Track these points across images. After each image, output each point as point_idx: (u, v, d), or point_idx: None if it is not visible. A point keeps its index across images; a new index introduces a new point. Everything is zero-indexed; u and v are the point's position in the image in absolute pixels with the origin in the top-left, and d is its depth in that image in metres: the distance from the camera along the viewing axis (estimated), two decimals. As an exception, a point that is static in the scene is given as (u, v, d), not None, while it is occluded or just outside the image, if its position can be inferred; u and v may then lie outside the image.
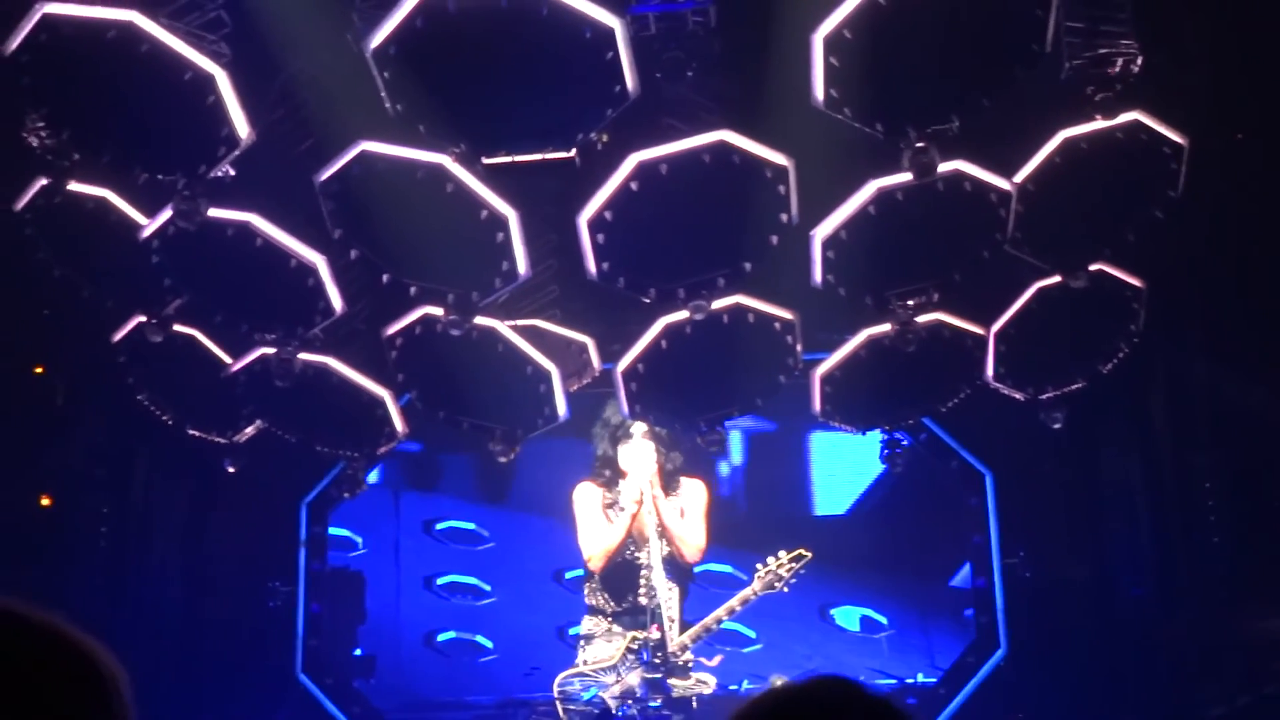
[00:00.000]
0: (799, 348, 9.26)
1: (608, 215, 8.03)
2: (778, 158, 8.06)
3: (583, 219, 8.12)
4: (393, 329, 9.46)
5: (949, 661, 13.28)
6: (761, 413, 13.96)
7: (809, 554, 10.55)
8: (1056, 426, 10.40)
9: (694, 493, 10.97)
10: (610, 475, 10.92)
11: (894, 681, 13.51)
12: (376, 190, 8.24)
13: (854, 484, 14.66)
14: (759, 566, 10.59)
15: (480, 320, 8.85)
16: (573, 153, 8.01)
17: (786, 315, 9.15)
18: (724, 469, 14.45)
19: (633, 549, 10.73)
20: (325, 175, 8.21)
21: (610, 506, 10.83)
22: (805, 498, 14.87)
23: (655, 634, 10.43)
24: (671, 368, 9.05)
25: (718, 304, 8.57)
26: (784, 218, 8.14)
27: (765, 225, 8.19)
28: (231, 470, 11.11)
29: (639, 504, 10.48)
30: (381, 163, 8.10)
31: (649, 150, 8.00)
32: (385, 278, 8.69)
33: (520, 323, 9.71)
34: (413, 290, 8.78)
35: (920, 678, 13.55)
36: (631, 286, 8.36)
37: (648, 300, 8.52)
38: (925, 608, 14.38)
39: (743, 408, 9.64)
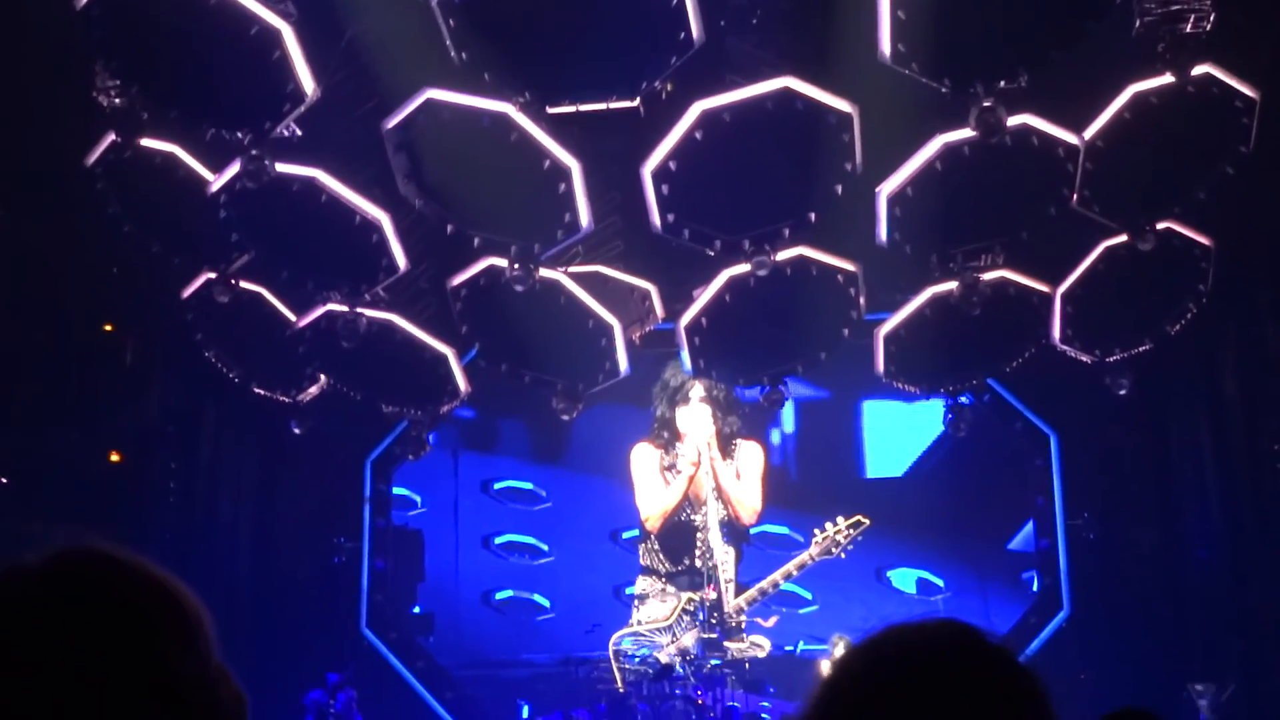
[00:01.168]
0: (861, 300, 9.22)
1: (672, 165, 8.01)
2: (842, 104, 8.01)
3: (647, 169, 8.11)
4: (457, 280, 9.49)
5: (1006, 625, 13.23)
6: (815, 380, 13.99)
7: (867, 521, 10.52)
8: (1123, 393, 10.31)
9: (750, 455, 10.95)
10: (668, 437, 10.91)
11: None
12: (441, 140, 8.27)
13: (911, 446, 14.61)
14: (816, 532, 10.57)
15: (543, 272, 8.86)
16: (637, 102, 7.98)
17: (849, 267, 9.11)
18: (775, 437, 14.44)
19: (689, 511, 10.74)
20: (392, 123, 8.24)
21: (668, 469, 10.84)
22: (859, 461, 14.85)
23: (711, 595, 10.43)
24: (734, 322, 9.03)
25: (781, 255, 8.53)
26: (848, 166, 8.10)
27: (830, 175, 8.15)
28: (298, 432, 11.19)
29: (696, 466, 10.47)
30: (447, 111, 8.11)
31: (713, 99, 7.97)
32: (449, 229, 8.72)
33: (583, 269, 9.69)
34: (476, 241, 8.81)
35: (979, 641, 13.50)
36: (696, 238, 8.35)
37: (712, 253, 8.51)
38: (983, 571, 14.33)
39: (806, 363, 9.59)
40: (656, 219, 8.20)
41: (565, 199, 8.16)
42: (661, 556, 10.89)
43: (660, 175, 8.07)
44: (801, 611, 13.53)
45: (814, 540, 10.56)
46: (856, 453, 14.86)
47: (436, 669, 13.24)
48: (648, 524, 10.83)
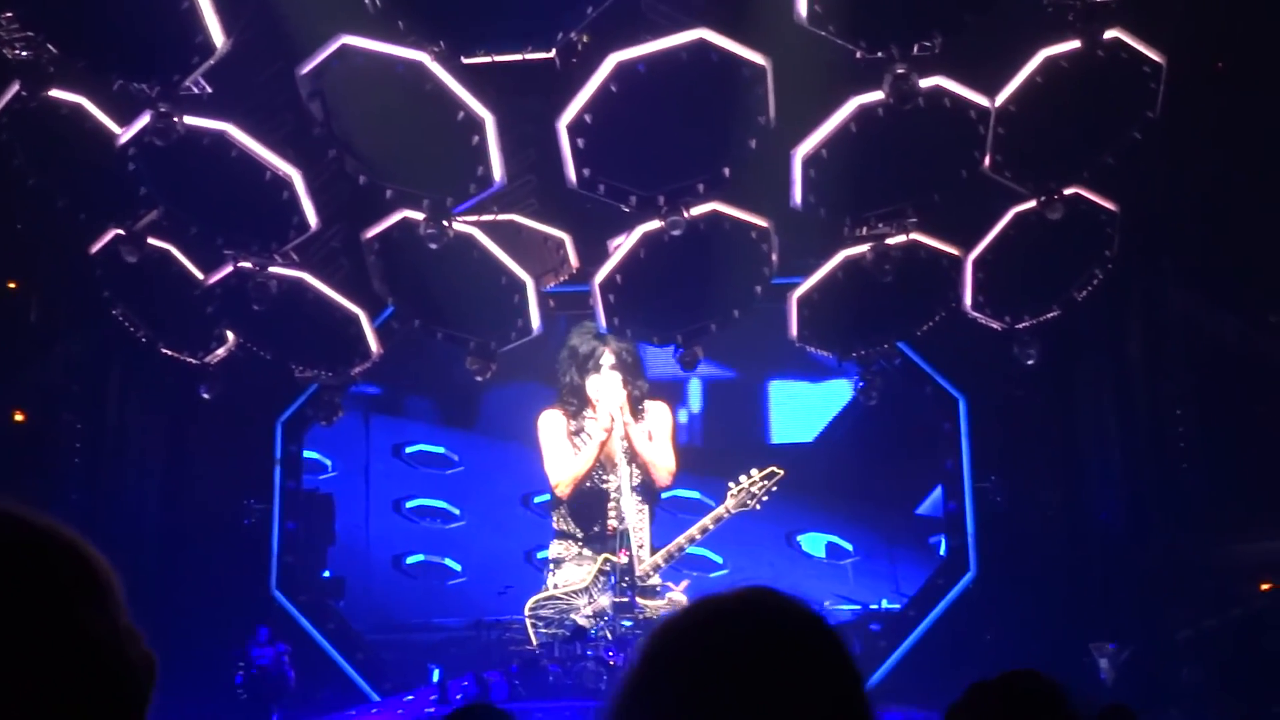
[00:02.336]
0: (774, 256, 9.26)
1: (587, 119, 8.00)
2: (756, 57, 8.05)
3: (562, 123, 8.08)
4: (371, 232, 9.41)
5: (913, 588, 13.42)
6: (723, 359, 14.11)
7: (781, 471, 10.52)
8: (1030, 363, 10.46)
9: (660, 416, 10.93)
10: (577, 404, 10.83)
11: (858, 607, 13.66)
12: (356, 89, 8.21)
13: (821, 414, 14.76)
14: (731, 485, 10.57)
15: (457, 225, 8.81)
16: (553, 53, 7.96)
17: (762, 223, 9.14)
18: (683, 416, 14.53)
19: (602, 475, 10.73)
20: (306, 69, 8.14)
21: (576, 434, 10.79)
22: (765, 430, 14.98)
23: (624, 557, 10.45)
24: (649, 280, 9.04)
25: (695, 211, 8.55)
26: (762, 120, 8.13)
27: (744, 129, 8.18)
28: (207, 397, 11.05)
29: (609, 431, 10.44)
30: (361, 58, 8.04)
31: (628, 50, 7.97)
32: (362, 180, 8.64)
33: (498, 217, 9.63)
34: (389, 193, 8.74)
35: (884, 604, 13.69)
36: (612, 194, 8.34)
37: (628, 209, 8.50)
38: (891, 535, 14.53)
39: (720, 320, 9.61)
40: (572, 174, 8.19)
41: (478, 152, 8.12)
42: (575, 521, 10.88)
43: (575, 129, 8.05)
44: (712, 575, 13.64)
45: (729, 493, 10.53)
46: (763, 423, 14.99)
47: (348, 632, 13.17)
48: (558, 490, 10.78)
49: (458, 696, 10.56)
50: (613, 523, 10.61)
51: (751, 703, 1.41)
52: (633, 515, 10.56)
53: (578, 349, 10.70)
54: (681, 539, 10.57)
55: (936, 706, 10.62)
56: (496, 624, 11.45)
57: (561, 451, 10.74)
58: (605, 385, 10.48)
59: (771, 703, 1.42)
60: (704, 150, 8.28)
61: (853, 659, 1.51)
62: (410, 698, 12.18)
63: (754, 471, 10.56)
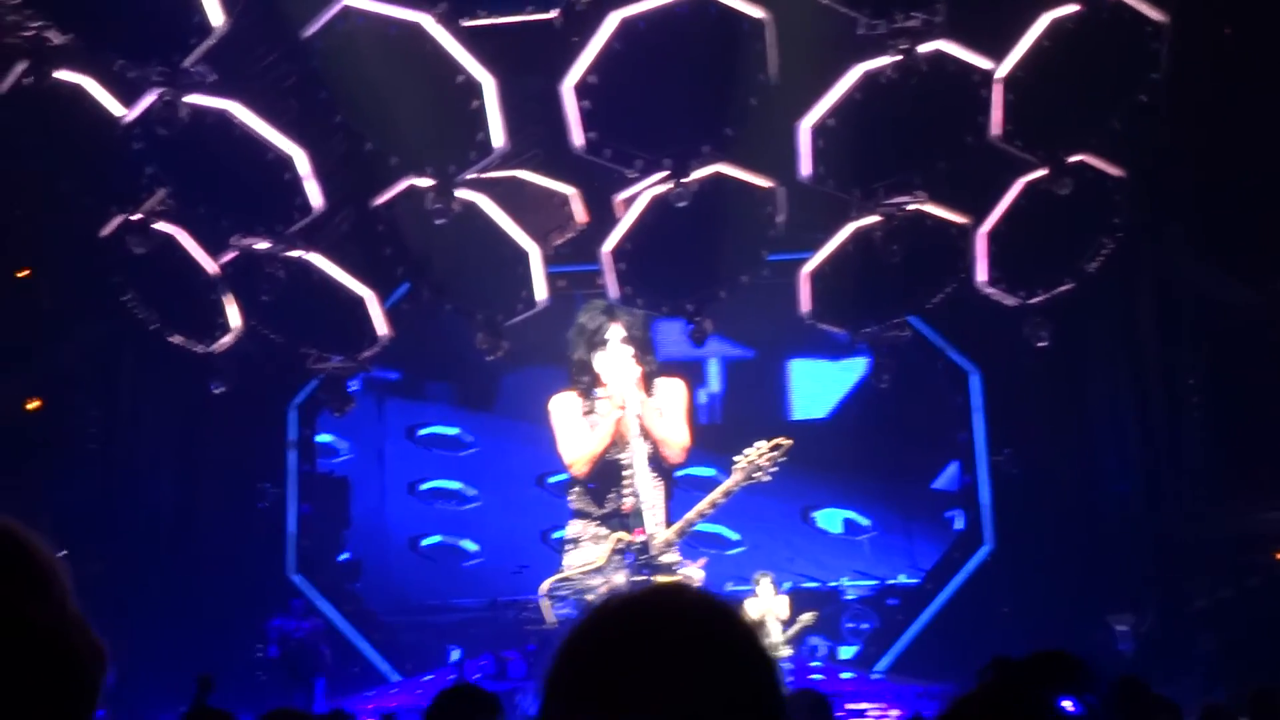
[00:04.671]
0: (780, 219, 9.23)
1: (592, 80, 8.01)
2: (755, 11, 8.04)
3: (567, 85, 8.08)
4: (379, 200, 9.42)
5: (930, 563, 13.40)
6: (740, 338, 14.10)
7: (788, 441, 10.29)
8: (1042, 345, 10.42)
9: (673, 391, 10.83)
10: (588, 382, 10.72)
11: (875, 583, 13.65)
12: (359, 54, 8.22)
13: (835, 390, 14.74)
14: (737, 457, 10.38)
15: (461, 193, 8.82)
16: (554, 13, 7.96)
17: (766, 183, 9.11)
18: (702, 397, 14.52)
19: (616, 452, 10.67)
20: (310, 30, 8.18)
21: (590, 413, 10.72)
22: (784, 406, 14.96)
23: (640, 536, 10.39)
24: (659, 245, 9.03)
25: (699, 173, 8.53)
26: (763, 77, 8.12)
27: (746, 87, 8.17)
28: (217, 392, 11.04)
29: (622, 409, 10.36)
30: (363, 19, 8.06)
31: (630, 7, 8.01)
32: (368, 146, 8.66)
33: (501, 174, 9.62)
34: (393, 160, 8.74)
35: (902, 579, 13.68)
36: (618, 158, 8.34)
37: (633, 175, 8.49)
38: (908, 510, 14.50)
39: (729, 286, 9.57)
40: (578, 137, 8.17)
41: (478, 116, 8.13)
42: (591, 500, 10.83)
43: (581, 90, 8.04)
44: (729, 553, 13.63)
45: (735, 465, 10.31)
46: (782, 400, 14.96)
47: (366, 613, 13.22)
48: (574, 469, 10.69)
49: (476, 676, 10.58)
50: (628, 500, 10.54)
51: (653, 689, 1.42)
52: (648, 493, 10.49)
53: (586, 325, 10.54)
54: (691, 514, 10.43)
55: (954, 680, 10.66)
56: (513, 604, 11.45)
57: (575, 433, 10.67)
58: (615, 361, 10.37)
59: (673, 690, 1.42)
60: (707, 110, 8.26)
61: (764, 649, 1.50)
62: (429, 678, 12.24)
63: (761, 443, 10.38)
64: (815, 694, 5.94)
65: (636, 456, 10.39)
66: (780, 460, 10.22)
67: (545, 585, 10.58)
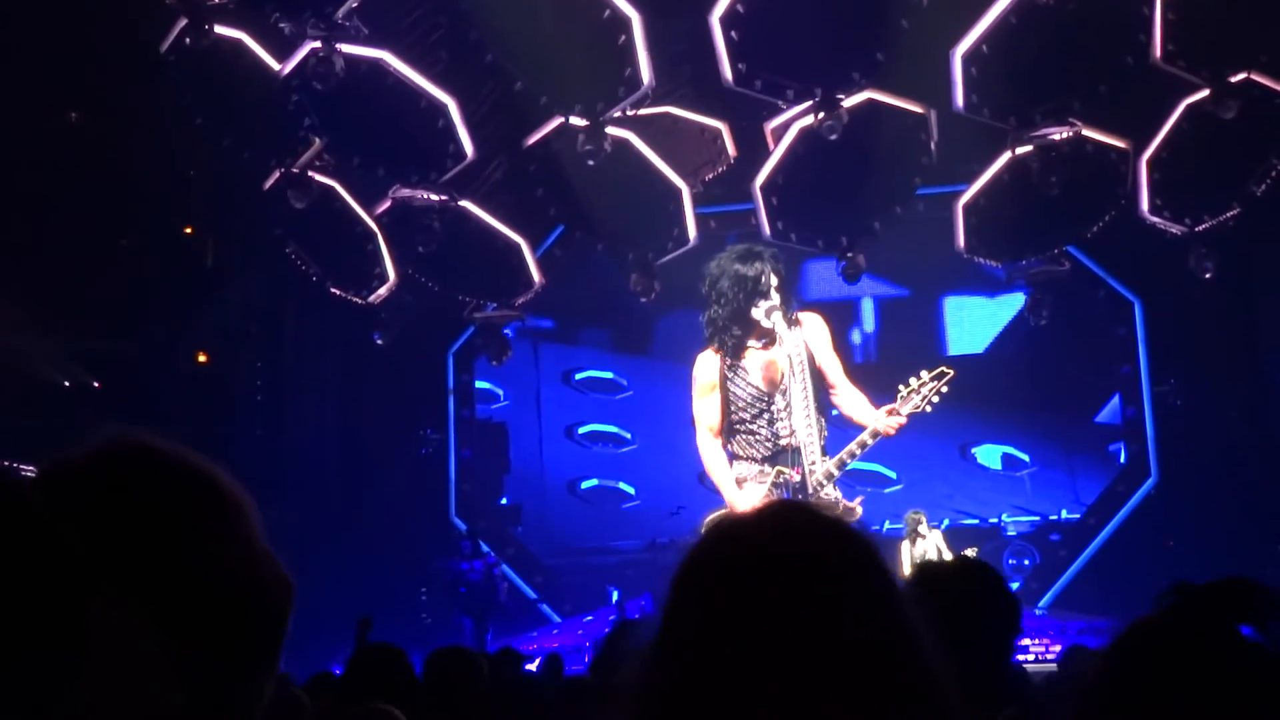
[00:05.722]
0: (933, 145, 9.07)
1: (740, 8, 7.92)
2: None
3: (715, 16, 8.02)
4: (531, 140, 9.49)
5: (1092, 498, 13.16)
6: (894, 279, 13.90)
7: (951, 371, 9.99)
8: (1208, 276, 10.12)
9: (817, 327, 10.60)
10: (739, 335, 10.19)
11: (1037, 518, 13.45)
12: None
13: (993, 325, 14.49)
14: (901, 388, 10.10)
15: (612, 130, 8.83)
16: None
17: (918, 109, 8.95)
18: (856, 336, 14.37)
19: (770, 393, 10.54)
20: None
21: (732, 370, 10.38)
22: (940, 342, 14.75)
23: (796, 475, 10.31)
24: (809, 178, 8.91)
25: (850, 100, 8.40)
26: None
27: (897, 9, 8.04)
28: (380, 343, 11.28)
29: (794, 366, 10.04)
30: None
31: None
32: (518, 85, 8.71)
33: (653, 111, 9.59)
34: (543, 100, 8.80)
35: (1064, 514, 13.46)
36: (769, 89, 8.26)
37: (784, 105, 8.41)
38: (1069, 444, 14.22)
39: (882, 217, 9.41)
40: (728, 70, 8.13)
41: (625, 51, 8.13)
42: (750, 444, 10.73)
43: (728, 21, 7.97)
44: (887, 491, 13.51)
45: (899, 395, 9.98)
46: (939, 337, 14.76)
47: (527, 556, 13.42)
48: (709, 433, 10.50)
49: (636, 616, 10.67)
50: (788, 440, 10.41)
51: (772, 606, 1.41)
52: (803, 430, 10.37)
53: (744, 274, 9.99)
54: (853, 445, 10.12)
55: (1118, 614, 10.48)
56: (671, 544, 11.47)
57: (710, 405, 10.23)
58: (776, 307, 9.93)
59: (793, 604, 1.41)
60: (858, 35, 8.13)
61: (883, 562, 1.48)
62: (590, 618, 12.40)
63: (923, 373, 10.09)
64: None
65: (795, 395, 10.22)
66: (942, 391, 9.93)
67: (705, 523, 10.53)
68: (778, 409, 10.27)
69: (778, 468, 10.23)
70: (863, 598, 1.42)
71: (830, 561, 1.42)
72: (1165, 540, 11.86)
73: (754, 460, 10.47)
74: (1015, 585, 12.90)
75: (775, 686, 1.35)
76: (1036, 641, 10.61)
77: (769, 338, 9.91)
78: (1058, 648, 10.34)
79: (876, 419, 9.52)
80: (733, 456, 10.69)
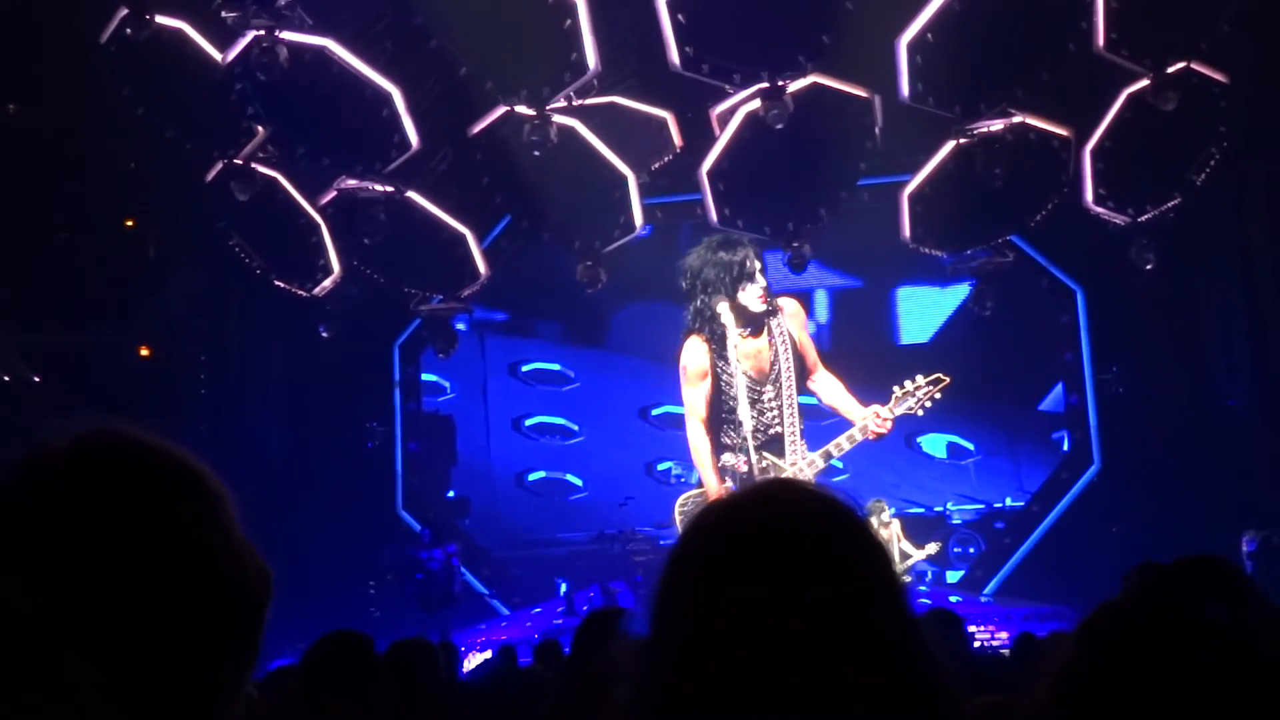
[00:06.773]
0: (877, 130, 9.09)
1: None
2: None
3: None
4: (476, 128, 9.45)
5: (1036, 485, 13.26)
6: (847, 269, 13.96)
7: (947, 379, 10.00)
8: (1149, 267, 10.22)
9: (796, 312, 10.55)
10: (725, 324, 10.05)
11: (982, 506, 13.55)
12: None
13: (939, 314, 14.58)
14: (896, 389, 10.03)
15: (558, 119, 8.80)
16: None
17: (863, 93, 8.98)
18: (811, 327, 14.38)
19: (758, 381, 10.43)
20: None
21: (721, 356, 10.28)
22: (893, 334, 14.84)
23: (783, 465, 10.28)
24: (756, 164, 8.91)
25: (796, 84, 8.40)
26: None
27: None
28: (325, 335, 11.22)
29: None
30: None
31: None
32: (463, 71, 8.67)
33: (599, 100, 9.57)
34: (488, 85, 8.77)
35: (1009, 501, 13.57)
36: (716, 73, 8.26)
37: (731, 89, 8.41)
38: (1013, 433, 14.35)
39: (828, 203, 9.41)
40: (675, 54, 8.11)
41: (570, 36, 8.11)
42: (733, 431, 10.68)
43: (675, 3, 7.96)
44: (835, 480, 13.54)
45: (894, 396, 9.90)
46: (891, 327, 14.84)
47: (475, 549, 13.37)
48: (698, 420, 10.45)
49: (584, 608, 10.66)
50: (776, 429, 10.34)
51: (765, 579, 1.42)
52: (789, 420, 10.34)
53: (730, 260, 9.74)
54: (841, 439, 9.96)
55: (1064, 601, 10.58)
56: (620, 535, 11.47)
57: (699, 395, 10.14)
58: (760, 292, 9.72)
59: (786, 577, 1.42)
60: (802, 17, 8.15)
61: (874, 538, 1.50)
62: (538, 610, 12.38)
63: (919, 377, 10.07)
64: (947, 612, 5.95)
65: (783, 384, 10.10)
66: (936, 396, 9.84)
67: (679, 502, 10.40)
68: (768, 398, 10.23)
69: (767, 457, 10.21)
70: (859, 570, 1.43)
71: (827, 533, 1.43)
72: (1109, 526, 11.97)
73: (741, 450, 10.46)
74: (960, 573, 13.01)
75: (776, 661, 1.35)
76: (982, 629, 10.68)
77: (756, 325, 9.85)
78: (1004, 634, 10.43)
79: (866, 418, 9.50)
80: (722, 448, 10.68)
